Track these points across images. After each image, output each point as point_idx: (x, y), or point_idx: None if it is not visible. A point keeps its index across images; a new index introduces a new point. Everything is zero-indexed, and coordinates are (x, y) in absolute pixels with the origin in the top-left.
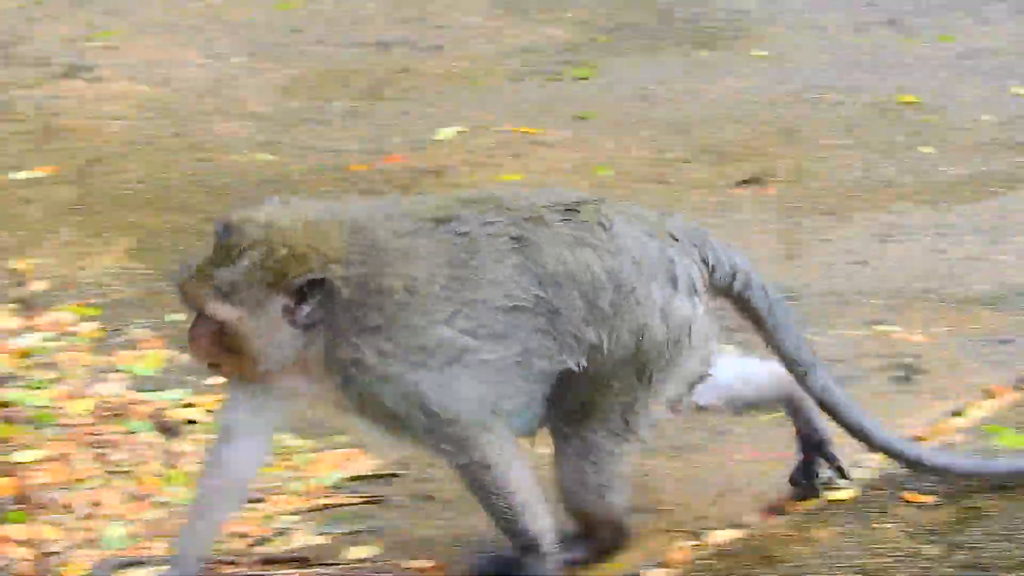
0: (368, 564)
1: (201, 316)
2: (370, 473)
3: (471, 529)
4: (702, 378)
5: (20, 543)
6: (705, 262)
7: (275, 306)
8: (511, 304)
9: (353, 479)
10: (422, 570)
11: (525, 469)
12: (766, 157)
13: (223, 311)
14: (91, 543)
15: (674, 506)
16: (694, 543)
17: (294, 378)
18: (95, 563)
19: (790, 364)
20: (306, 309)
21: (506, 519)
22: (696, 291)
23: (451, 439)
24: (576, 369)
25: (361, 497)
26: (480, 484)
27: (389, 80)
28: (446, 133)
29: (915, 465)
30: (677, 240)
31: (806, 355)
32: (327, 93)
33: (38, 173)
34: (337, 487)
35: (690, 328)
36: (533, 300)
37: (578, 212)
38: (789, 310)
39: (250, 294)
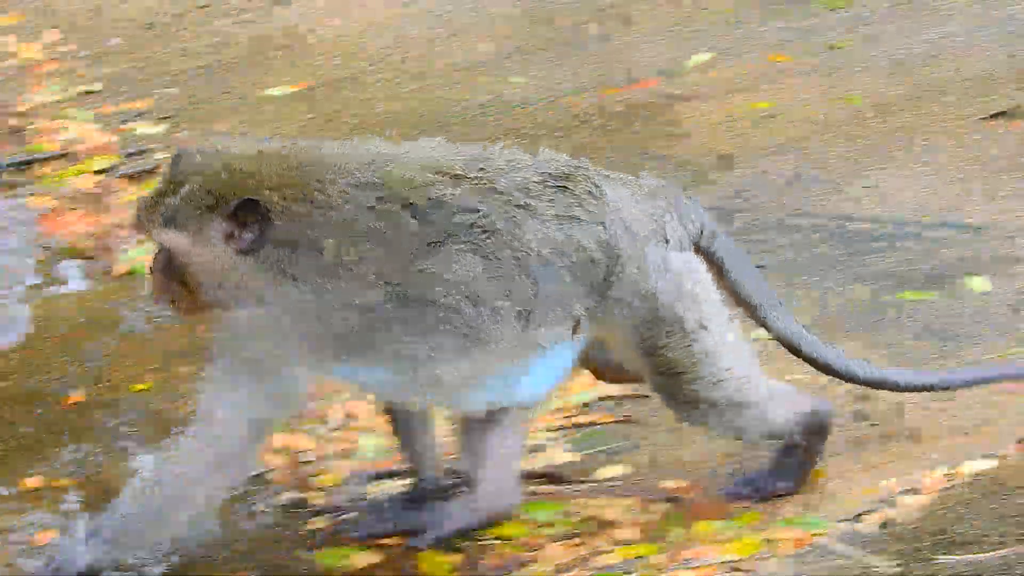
0: (620, 482)
1: (158, 249)
2: (624, 393)
3: (726, 450)
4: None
5: (278, 451)
6: (682, 218)
7: (216, 231)
8: (454, 303)
9: (606, 398)
10: (675, 490)
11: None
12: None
13: (168, 238)
14: (345, 454)
15: (929, 437)
16: (947, 472)
17: (231, 314)
18: (350, 473)
19: (750, 307)
20: (248, 235)
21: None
22: (683, 246)
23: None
24: (553, 341)
25: (614, 416)
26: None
27: (640, 6)
28: (697, 60)
29: (883, 386)
30: (656, 200)
31: (766, 296)
32: (578, 17)
33: (288, 89)
34: (589, 405)
35: (695, 276)
36: (489, 293)
37: (568, 186)
38: (747, 257)
39: (192, 220)
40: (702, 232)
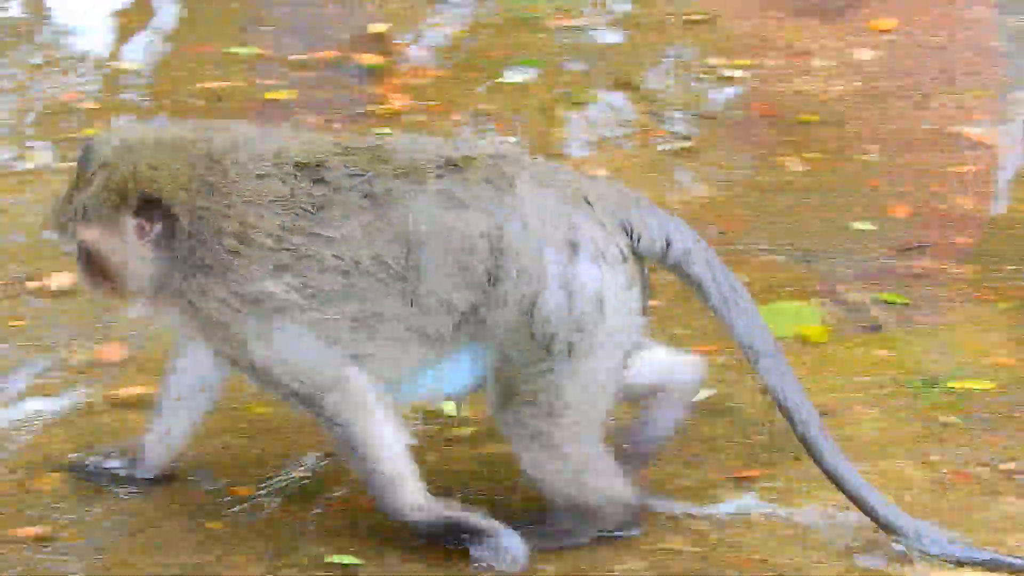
0: None
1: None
2: None
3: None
4: (631, 354)
5: None
6: (626, 229)
7: (126, 225)
8: (345, 265)
9: None
10: None
11: (394, 438)
12: None
13: (83, 233)
14: None
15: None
16: None
17: (158, 304)
18: None
19: (741, 347)
20: (157, 227)
21: (371, 484)
22: (605, 258)
23: (288, 393)
24: (449, 337)
25: None
26: (339, 445)
27: None
28: None
29: (851, 498)
30: (590, 205)
31: (759, 341)
32: None
33: None
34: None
35: (601, 297)
36: (377, 262)
37: (463, 169)
38: (739, 286)
39: (103, 214)
40: (668, 247)
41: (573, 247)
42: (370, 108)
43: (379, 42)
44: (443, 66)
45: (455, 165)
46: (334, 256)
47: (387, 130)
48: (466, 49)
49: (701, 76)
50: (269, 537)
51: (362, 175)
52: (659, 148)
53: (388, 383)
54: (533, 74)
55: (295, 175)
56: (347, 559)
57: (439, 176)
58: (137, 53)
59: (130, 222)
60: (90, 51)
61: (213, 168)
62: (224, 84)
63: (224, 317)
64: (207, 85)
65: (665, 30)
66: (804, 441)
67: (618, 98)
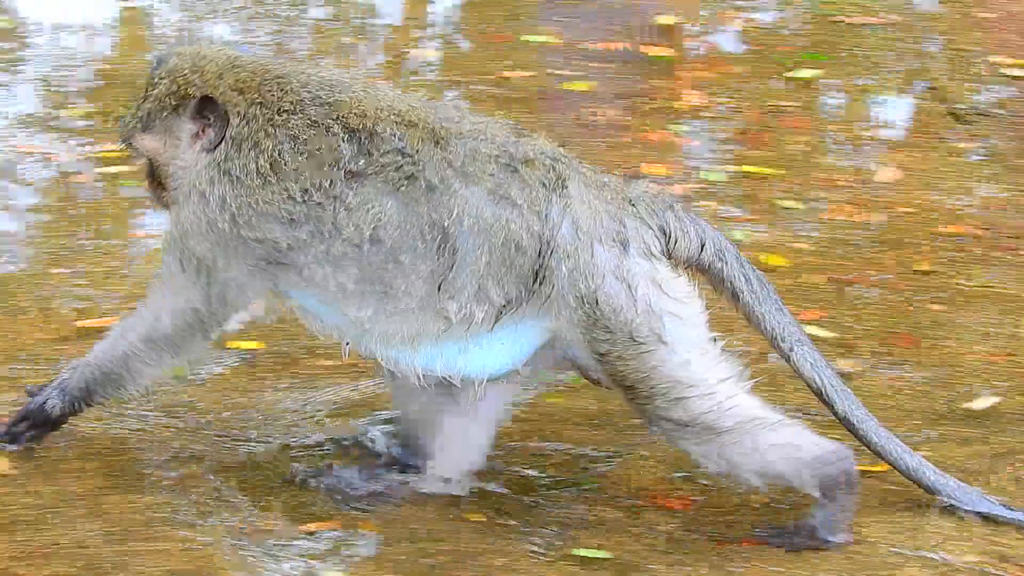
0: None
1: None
2: None
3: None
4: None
5: None
6: (663, 231)
7: (184, 131)
8: (359, 237)
9: None
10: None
11: None
12: None
13: (143, 142)
14: None
15: None
16: None
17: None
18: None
19: (773, 340)
20: (211, 132)
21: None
22: (652, 255)
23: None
24: (481, 323)
25: None
26: None
27: None
28: None
29: (888, 459)
30: (633, 206)
31: (791, 330)
32: None
33: None
34: None
35: (657, 282)
36: (405, 242)
37: (518, 171)
38: (768, 284)
39: (163, 121)
40: (702, 248)
41: (623, 244)
42: (664, 103)
43: (668, 34)
44: (734, 60)
45: (513, 166)
46: (353, 226)
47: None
48: (760, 42)
49: (1003, 75)
50: (534, 530)
51: (411, 156)
52: (956, 147)
53: (399, 349)
54: (829, 70)
55: (342, 136)
56: (593, 552)
57: (492, 173)
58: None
59: (187, 126)
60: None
61: (274, 88)
62: (518, 73)
63: (224, 228)
64: (502, 74)
65: (967, 30)
66: (846, 422)
67: (915, 97)
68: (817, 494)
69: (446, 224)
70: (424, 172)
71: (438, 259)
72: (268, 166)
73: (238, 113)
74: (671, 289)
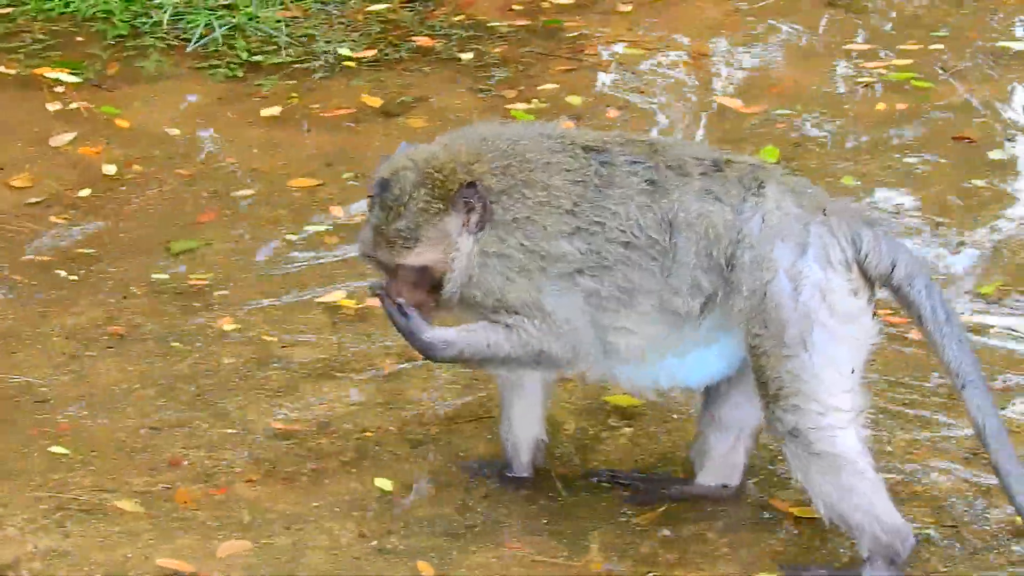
0: None
1: (396, 273)
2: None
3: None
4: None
5: None
6: (855, 245)
7: (454, 226)
8: (624, 239)
9: None
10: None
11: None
12: None
13: (417, 256)
14: None
15: None
16: None
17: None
18: None
19: (949, 372)
20: (476, 215)
21: None
22: (831, 264)
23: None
24: (696, 317)
25: None
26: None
27: None
28: None
29: None
30: (826, 215)
31: (967, 368)
32: None
33: None
34: None
35: (824, 294)
36: (647, 240)
37: (721, 170)
38: (954, 316)
39: (430, 228)
40: (892, 269)
41: (802, 247)
42: None
43: None
44: None
45: (717, 166)
46: (619, 228)
47: None
48: None
49: None
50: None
51: (643, 162)
52: None
53: (635, 362)
54: None
55: (584, 156)
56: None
57: (702, 173)
58: None
59: (456, 221)
60: None
61: (509, 154)
62: None
63: (512, 263)
64: None
65: None
66: (995, 468)
67: None
68: (865, 554)
69: (671, 218)
70: (654, 174)
71: (667, 251)
72: (543, 199)
73: (496, 188)
74: (836, 302)
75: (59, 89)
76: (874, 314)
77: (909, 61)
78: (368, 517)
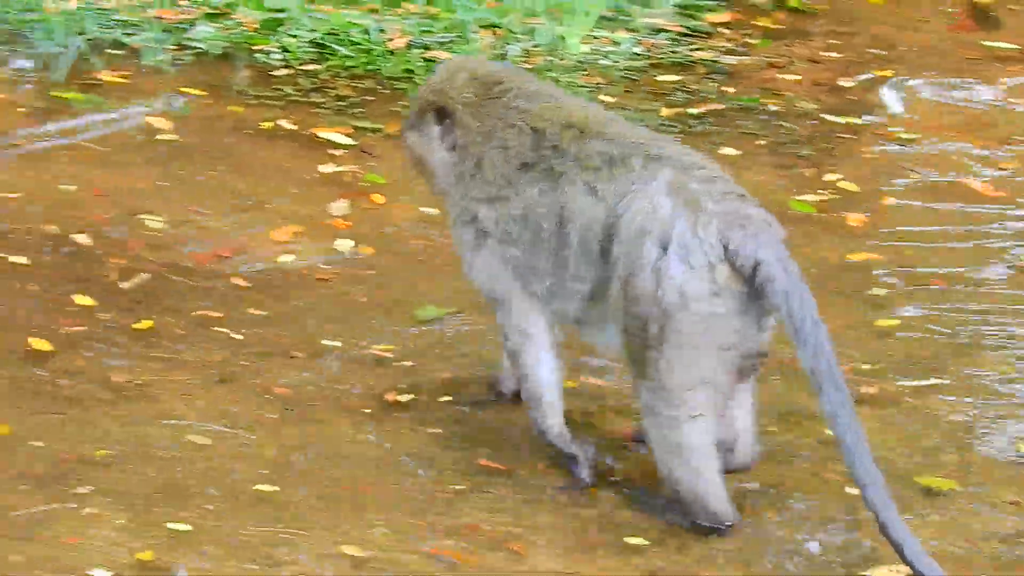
0: None
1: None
2: None
3: None
4: (737, 365)
5: None
6: (724, 244)
7: (431, 131)
8: (521, 218)
9: None
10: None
11: (546, 366)
12: None
13: (408, 139)
14: None
15: None
16: None
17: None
18: None
19: (808, 372)
20: (450, 136)
21: (524, 396)
22: (690, 262)
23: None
24: (587, 302)
25: None
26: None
27: None
28: None
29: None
30: (700, 210)
31: (824, 370)
32: None
33: None
34: None
35: (684, 293)
36: (542, 224)
37: (617, 165)
38: (819, 321)
39: (419, 124)
40: (756, 268)
41: (664, 244)
42: None
43: None
44: None
45: (613, 160)
46: (521, 209)
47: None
48: None
49: None
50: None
51: (555, 151)
52: None
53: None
54: None
55: (529, 135)
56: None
57: (597, 168)
58: None
59: (435, 129)
60: None
61: (489, 105)
62: None
63: (459, 219)
64: None
65: None
66: (852, 473)
67: None
68: (680, 506)
69: (563, 208)
70: (554, 164)
71: (559, 238)
72: (476, 166)
73: (463, 120)
74: (694, 303)
75: (336, 152)
76: (765, 316)
77: None
78: None
